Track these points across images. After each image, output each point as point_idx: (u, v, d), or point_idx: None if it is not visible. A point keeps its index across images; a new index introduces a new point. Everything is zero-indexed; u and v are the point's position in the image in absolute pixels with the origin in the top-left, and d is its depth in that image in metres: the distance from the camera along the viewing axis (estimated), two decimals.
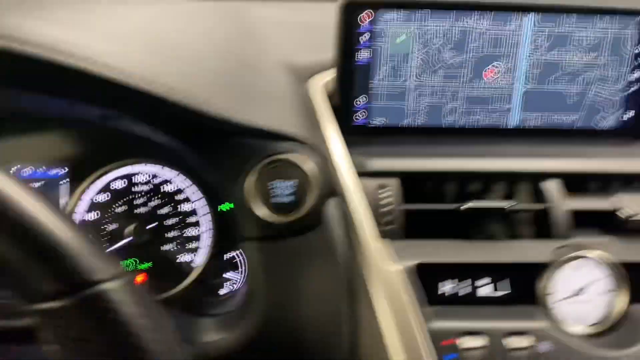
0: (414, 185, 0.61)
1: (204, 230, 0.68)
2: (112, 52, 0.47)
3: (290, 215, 0.53)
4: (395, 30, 0.67)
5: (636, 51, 0.70)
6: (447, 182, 0.62)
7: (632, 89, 0.71)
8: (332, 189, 0.56)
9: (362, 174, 0.58)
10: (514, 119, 0.72)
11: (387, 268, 0.53)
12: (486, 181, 0.63)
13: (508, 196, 0.63)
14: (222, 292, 0.70)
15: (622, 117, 0.73)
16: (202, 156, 0.54)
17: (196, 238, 0.68)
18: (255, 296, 0.55)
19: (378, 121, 0.71)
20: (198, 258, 0.68)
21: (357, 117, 0.71)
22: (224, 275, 0.69)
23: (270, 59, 0.69)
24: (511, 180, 0.63)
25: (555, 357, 0.51)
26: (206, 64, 0.59)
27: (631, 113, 0.73)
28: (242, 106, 0.54)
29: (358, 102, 0.70)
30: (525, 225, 0.61)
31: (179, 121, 0.52)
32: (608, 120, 0.73)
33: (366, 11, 0.66)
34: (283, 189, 0.53)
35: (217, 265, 0.69)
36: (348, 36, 0.66)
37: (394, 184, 0.58)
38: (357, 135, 0.70)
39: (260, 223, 0.53)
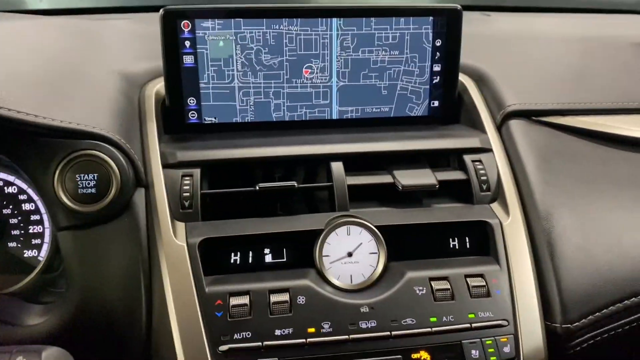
0: (224, 173, 0.69)
1: (47, 227, 0.74)
2: None
3: (96, 204, 0.60)
4: (215, 37, 0.75)
5: (435, 46, 0.79)
6: (254, 169, 0.70)
7: (435, 80, 0.81)
8: (137, 180, 0.63)
9: (169, 165, 0.66)
10: (334, 112, 0.80)
11: (174, 244, 0.60)
12: (288, 166, 0.71)
13: (310, 178, 0.71)
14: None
15: (430, 105, 0.82)
16: (12, 157, 0.60)
17: (40, 234, 0.74)
18: (72, 281, 0.61)
19: (210, 119, 0.78)
20: (42, 253, 0.74)
21: (190, 116, 0.78)
22: None
23: (103, 68, 0.75)
24: (309, 164, 0.71)
25: (311, 306, 0.59)
26: (26, 75, 0.65)
27: (437, 102, 0.82)
28: (55, 109, 0.61)
29: (189, 103, 0.77)
30: (323, 203, 0.69)
31: None
32: (419, 109, 0.82)
33: (185, 20, 0.73)
34: (88, 181, 0.60)
35: (62, 258, 0.75)
36: (171, 42, 0.73)
37: (196, 172, 0.65)
38: (192, 133, 0.77)
39: (69, 213, 0.60)
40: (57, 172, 0.60)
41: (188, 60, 0.75)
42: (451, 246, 0.66)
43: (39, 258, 0.74)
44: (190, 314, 0.57)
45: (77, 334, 0.61)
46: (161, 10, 0.73)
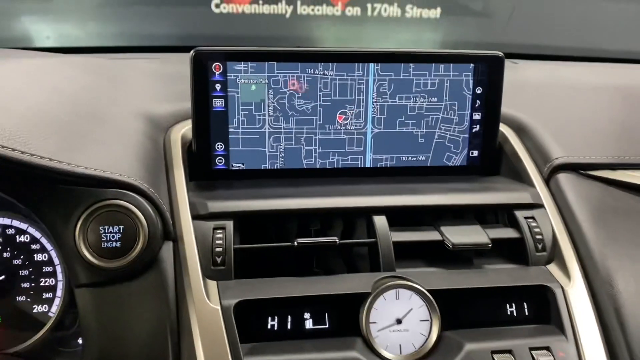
0: (256, 226, 0.64)
1: (60, 280, 0.68)
2: None
3: (121, 260, 0.55)
4: (247, 80, 0.71)
5: (475, 94, 0.76)
6: (289, 221, 0.65)
7: (475, 129, 0.77)
8: (165, 232, 0.58)
9: (200, 217, 0.61)
10: (367, 161, 0.76)
11: (207, 307, 0.54)
12: (326, 219, 0.66)
13: (348, 232, 0.66)
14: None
15: (469, 155, 0.78)
16: (29, 206, 0.55)
17: (52, 288, 0.68)
18: (89, 343, 0.55)
19: (237, 165, 0.73)
20: (54, 308, 0.68)
21: (217, 162, 0.73)
22: None
23: (125, 109, 0.71)
24: (348, 217, 0.66)
25: None
26: (46, 116, 0.61)
27: (477, 151, 0.78)
28: (77, 154, 0.56)
29: (217, 148, 0.73)
30: (362, 260, 0.64)
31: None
32: (457, 159, 0.78)
33: (216, 62, 0.70)
34: (113, 234, 0.55)
35: (75, 314, 0.68)
36: (201, 85, 0.70)
37: (229, 225, 0.60)
38: (219, 179, 0.72)
39: (89, 268, 0.54)
40: (79, 223, 0.54)
41: (218, 103, 0.71)
42: (508, 313, 0.60)
43: (50, 314, 0.68)
44: None
45: None
46: (192, 51, 0.69)
